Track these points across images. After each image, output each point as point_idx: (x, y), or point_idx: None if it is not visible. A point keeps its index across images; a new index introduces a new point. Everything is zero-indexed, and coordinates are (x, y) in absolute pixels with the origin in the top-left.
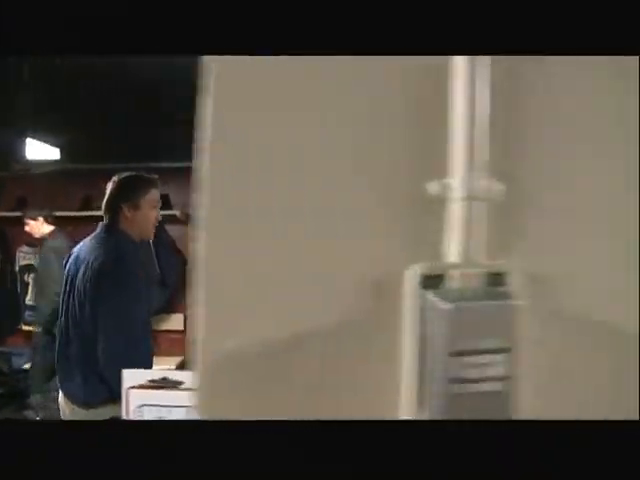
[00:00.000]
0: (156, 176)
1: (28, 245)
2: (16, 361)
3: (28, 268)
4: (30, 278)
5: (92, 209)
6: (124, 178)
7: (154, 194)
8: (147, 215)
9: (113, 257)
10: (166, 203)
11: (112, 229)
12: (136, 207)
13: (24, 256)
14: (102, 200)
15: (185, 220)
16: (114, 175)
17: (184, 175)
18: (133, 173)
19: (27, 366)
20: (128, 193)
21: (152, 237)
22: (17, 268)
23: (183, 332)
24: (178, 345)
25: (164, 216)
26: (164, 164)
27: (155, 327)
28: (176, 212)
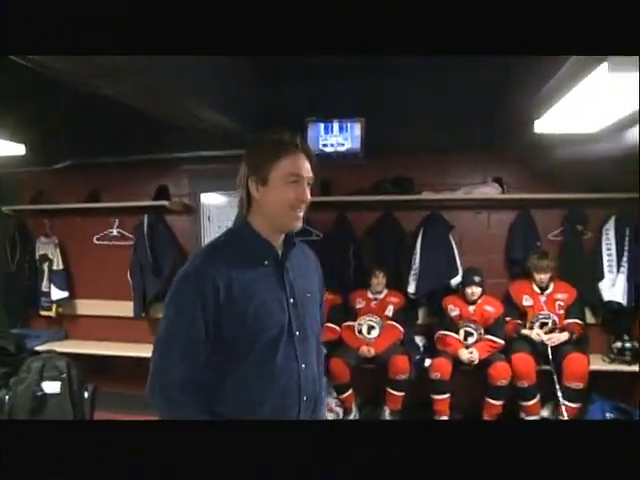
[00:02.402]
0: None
1: (45, 236)
2: (29, 342)
3: (44, 257)
4: (45, 266)
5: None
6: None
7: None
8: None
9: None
10: (165, 194)
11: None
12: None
13: (41, 246)
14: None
15: (182, 211)
16: None
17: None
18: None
19: (39, 348)
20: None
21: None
22: (37, 257)
23: None
24: None
25: (161, 207)
26: (161, 155)
27: (154, 315)
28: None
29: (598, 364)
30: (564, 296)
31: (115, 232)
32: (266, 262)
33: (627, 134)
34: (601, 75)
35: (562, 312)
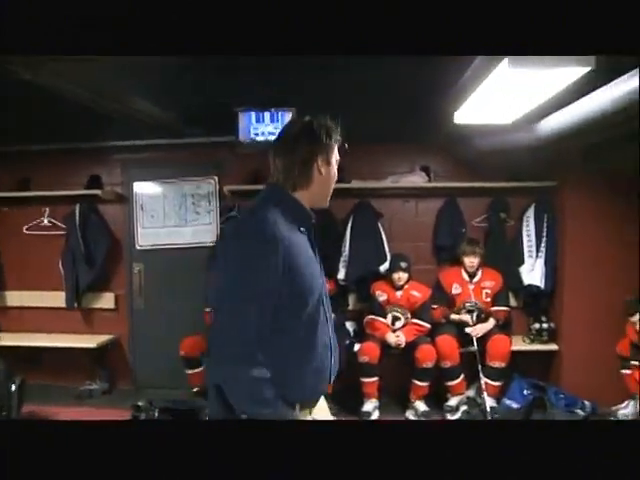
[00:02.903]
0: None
1: None
2: None
3: None
4: None
5: None
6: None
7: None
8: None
9: None
10: (97, 183)
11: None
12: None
13: None
14: None
15: (115, 199)
16: None
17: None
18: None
19: None
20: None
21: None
22: None
23: (115, 310)
24: (109, 323)
25: (94, 196)
26: (93, 144)
27: (86, 305)
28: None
29: (519, 344)
30: (491, 284)
31: (46, 221)
32: (302, 229)
33: (540, 125)
34: (503, 71)
35: (489, 300)
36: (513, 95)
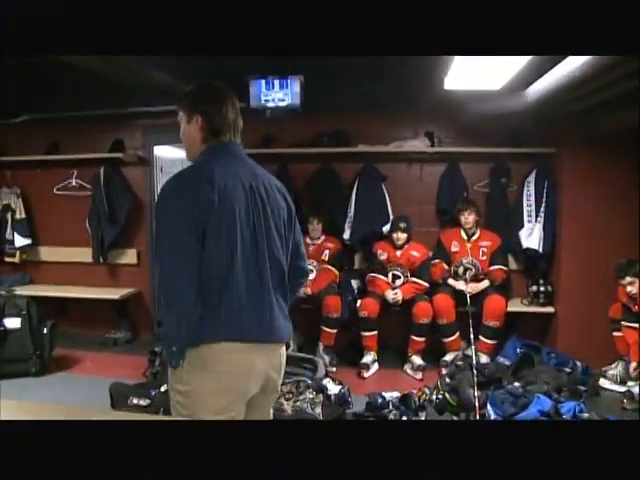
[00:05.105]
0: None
1: (7, 187)
2: None
3: (7, 207)
4: (9, 216)
5: None
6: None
7: None
8: None
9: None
10: (120, 147)
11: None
12: None
13: (4, 197)
14: None
15: (136, 162)
16: None
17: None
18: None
19: (3, 292)
20: None
21: None
22: (0, 207)
23: (137, 265)
24: (132, 277)
25: (117, 159)
26: (116, 110)
27: (111, 260)
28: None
29: (517, 306)
30: (488, 243)
31: (74, 183)
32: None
33: (529, 90)
34: None
35: (485, 258)
36: (496, 59)
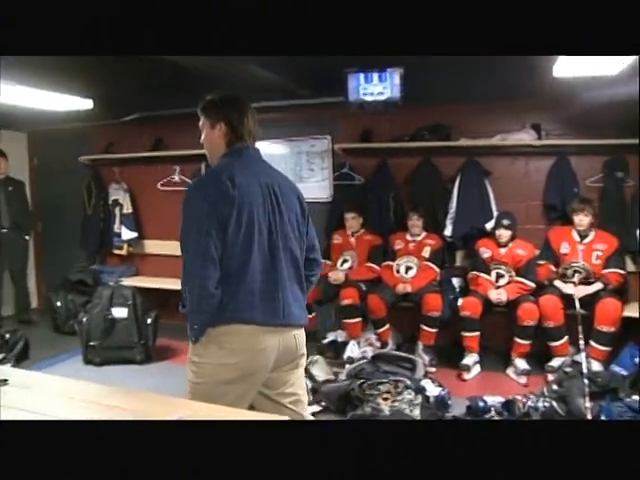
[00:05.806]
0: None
1: (116, 183)
2: (105, 277)
3: (116, 202)
4: (117, 210)
5: None
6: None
7: None
8: None
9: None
10: None
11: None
12: None
13: (113, 192)
14: None
15: None
16: None
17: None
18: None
19: (112, 283)
20: None
21: None
22: (110, 202)
23: None
24: None
25: None
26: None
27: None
28: None
29: (636, 312)
30: (604, 246)
31: (177, 178)
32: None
33: None
34: None
35: (599, 262)
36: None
